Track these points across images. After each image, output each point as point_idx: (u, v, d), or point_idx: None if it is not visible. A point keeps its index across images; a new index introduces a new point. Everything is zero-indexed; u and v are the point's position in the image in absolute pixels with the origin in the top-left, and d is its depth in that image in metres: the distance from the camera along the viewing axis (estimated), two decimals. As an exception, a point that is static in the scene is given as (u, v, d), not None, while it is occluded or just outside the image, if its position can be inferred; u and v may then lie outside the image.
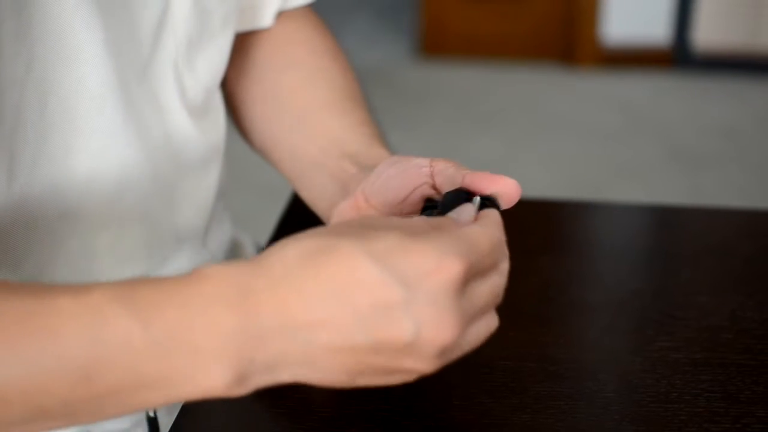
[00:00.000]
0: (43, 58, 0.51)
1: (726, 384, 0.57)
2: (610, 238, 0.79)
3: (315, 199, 0.63)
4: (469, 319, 0.40)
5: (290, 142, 0.67)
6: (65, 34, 0.51)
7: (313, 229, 0.41)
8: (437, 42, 3.39)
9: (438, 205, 0.50)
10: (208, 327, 0.38)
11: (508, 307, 0.65)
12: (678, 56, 3.23)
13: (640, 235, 0.81)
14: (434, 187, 0.52)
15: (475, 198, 0.48)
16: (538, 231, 0.78)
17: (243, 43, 0.72)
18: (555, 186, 2.48)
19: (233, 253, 0.79)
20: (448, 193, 0.49)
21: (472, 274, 0.40)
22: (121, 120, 0.56)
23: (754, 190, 2.47)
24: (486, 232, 0.42)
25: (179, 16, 0.59)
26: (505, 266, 0.44)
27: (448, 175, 0.51)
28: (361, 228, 0.40)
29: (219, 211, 0.74)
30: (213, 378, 0.38)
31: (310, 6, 0.75)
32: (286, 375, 0.40)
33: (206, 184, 0.68)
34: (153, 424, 0.63)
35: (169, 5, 0.58)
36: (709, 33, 3.20)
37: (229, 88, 0.72)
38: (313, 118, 0.67)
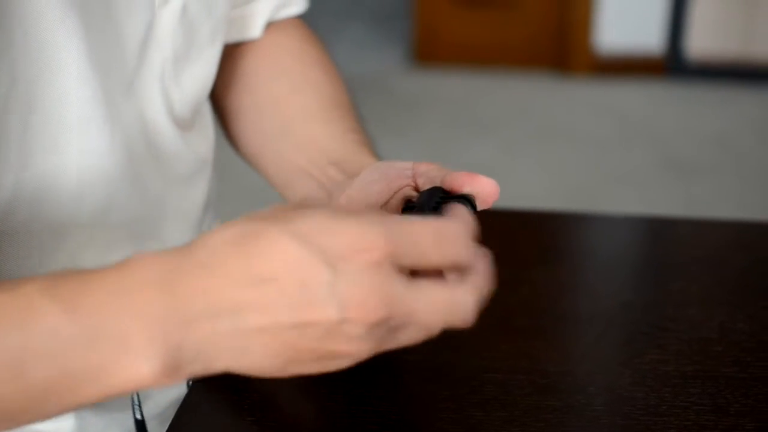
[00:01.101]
0: (26, 74, 0.50)
1: (715, 397, 0.57)
2: (602, 250, 0.79)
3: None
4: (400, 302, 0.39)
5: (277, 151, 0.68)
6: (47, 48, 0.50)
7: (243, 216, 0.41)
8: (431, 50, 3.39)
9: (415, 205, 0.50)
10: (134, 311, 0.38)
11: (498, 318, 0.66)
12: (671, 64, 3.24)
13: (631, 246, 0.82)
14: (416, 189, 0.52)
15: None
16: (529, 242, 0.78)
17: (231, 53, 0.72)
18: (548, 194, 2.48)
19: None
20: (423, 192, 0.49)
21: (402, 258, 0.39)
22: (107, 135, 0.56)
23: (749, 199, 2.48)
24: (430, 223, 0.41)
25: (165, 31, 0.59)
26: (479, 265, 0.42)
27: (430, 177, 0.51)
28: (289, 211, 0.40)
29: (208, 222, 0.74)
30: (141, 365, 0.38)
31: (300, 17, 0.76)
32: (218, 363, 0.39)
33: (194, 196, 0.68)
34: (141, 427, 0.63)
35: (154, 19, 0.58)
36: (703, 41, 3.21)
37: (217, 96, 0.73)
38: (299, 126, 0.67)
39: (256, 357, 0.39)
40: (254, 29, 0.71)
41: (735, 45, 3.20)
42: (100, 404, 0.67)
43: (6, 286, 0.40)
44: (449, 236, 0.41)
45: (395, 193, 0.52)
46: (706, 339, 0.63)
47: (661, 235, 0.82)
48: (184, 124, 0.64)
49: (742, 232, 0.81)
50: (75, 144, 0.54)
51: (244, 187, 2.08)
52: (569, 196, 2.47)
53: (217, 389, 0.58)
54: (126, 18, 0.56)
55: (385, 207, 0.52)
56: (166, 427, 0.55)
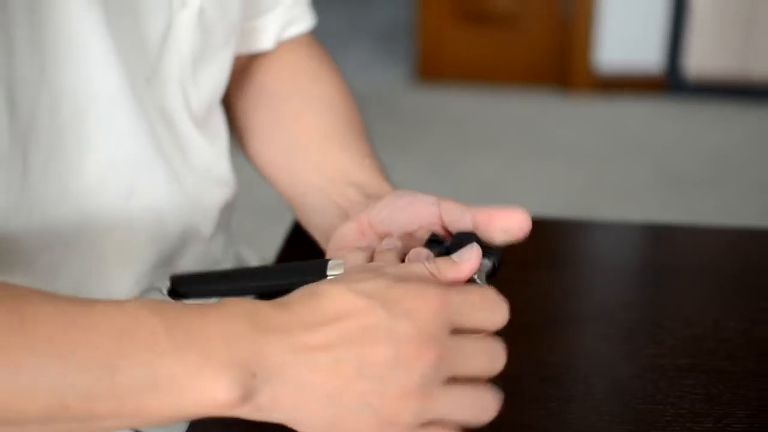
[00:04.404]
0: (54, 61, 0.54)
1: (709, 387, 0.61)
2: (603, 254, 0.83)
3: (313, 221, 0.67)
4: (450, 355, 0.45)
5: (291, 167, 0.71)
6: (74, 38, 0.54)
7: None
8: (434, 67, 3.44)
9: (443, 241, 0.54)
10: (222, 333, 0.43)
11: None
12: (670, 82, 3.29)
13: (631, 251, 0.85)
14: (442, 225, 0.56)
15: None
16: (535, 246, 0.82)
17: (250, 69, 0.76)
18: (550, 209, 2.52)
19: (238, 262, 0.82)
20: (457, 234, 0.54)
21: (453, 315, 0.45)
22: (133, 122, 0.59)
23: (746, 213, 2.52)
24: (478, 289, 0.47)
25: (183, 32, 0.63)
26: (492, 325, 0.47)
27: (454, 215, 0.55)
28: (353, 274, 0.47)
29: (225, 219, 0.77)
30: (219, 386, 0.42)
31: (312, 34, 0.80)
32: (282, 401, 0.44)
33: (214, 189, 0.71)
34: None
35: (173, 20, 0.62)
36: (701, 59, 3.25)
37: (233, 109, 0.76)
38: (316, 146, 0.71)
39: (315, 395, 0.44)
40: (264, 41, 0.75)
41: (733, 63, 3.24)
42: None
43: (105, 300, 0.45)
44: (493, 301, 0.47)
45: (420, 226, 0.56)
46: (699, 336, 0.67)
47: (659, 241, 0.86)
48: (200, 123, 0.68)
49: (735, 237, 0.85)
50: (101, 128, 0.58)
51: (246, 204, 2.12)
52: (570, 210, 2.51)
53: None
54: (146, 17, 0.60)
55: (408, 237, 0.56)
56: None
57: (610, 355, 0.65)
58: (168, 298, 0.56)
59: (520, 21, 3.37)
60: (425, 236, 0.56)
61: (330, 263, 0.54)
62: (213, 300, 0.48)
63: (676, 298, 0.73)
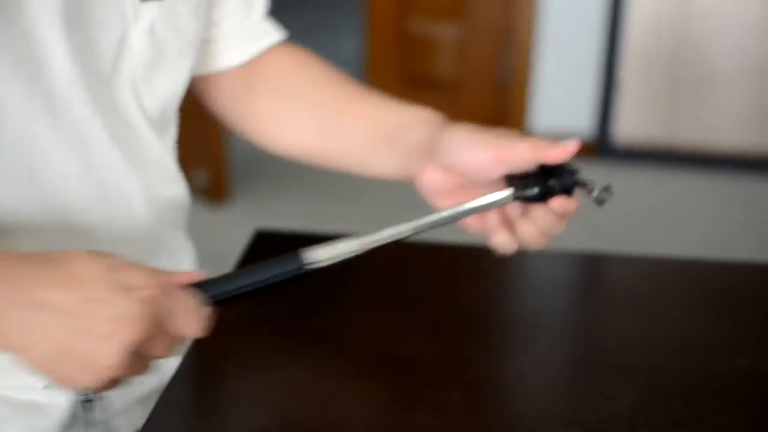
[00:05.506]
0: (23, 64, 0.64)
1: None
2: (545, 284, 0.94)
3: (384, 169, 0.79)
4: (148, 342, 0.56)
5: (336, 136, 0.82)
6: (39, 46, 0.65)
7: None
8: (379, 129, 3.55)
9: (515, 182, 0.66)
10: None
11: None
12: (600, 147, 3.41)
13: (570, 279, 0.97)
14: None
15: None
16: (467, 272, 0.94)
17: (247, 77, 0.86)
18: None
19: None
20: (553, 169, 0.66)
21: (161, 309, 0.57)
22: (88, 109, 0.69)
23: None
24: (187, 298, 0.59)
25: (136, 42, 0.72)
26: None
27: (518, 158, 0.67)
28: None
29: (181, 219, 0.87)
30: None
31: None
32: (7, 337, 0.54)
33: (167, 180, 0.81)
34: (88, 405, 0.75)
35: (127, 32, 0.71)
36: (629, 127, 3.38)
37: (242, 114, 0.86)
38: (350, 108, 0.82)
39: (36, 335, 0.54)
40: (225, 60, 0.86)
41: (659, 131, 3.38)
42: None
43: None
44: (195, 312, 0.59)
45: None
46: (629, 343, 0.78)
47: (596, 271, 0.99)
48: (154, 121, 0.77)
49: (656, 265, 0.98)
50: (61, 121, 0.68)
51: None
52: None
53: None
54: (103, 28, 0.70)
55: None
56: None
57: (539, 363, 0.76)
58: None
59: (462, 87, 3.49)
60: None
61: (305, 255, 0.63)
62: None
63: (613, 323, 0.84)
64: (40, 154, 0.68)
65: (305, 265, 0.63)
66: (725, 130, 3.33)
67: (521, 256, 0.98)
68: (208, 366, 0.75)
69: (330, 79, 0.85)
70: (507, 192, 0.65)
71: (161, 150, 0.80)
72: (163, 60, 0.76)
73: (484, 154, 0.67)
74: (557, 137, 0.61)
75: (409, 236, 0.66)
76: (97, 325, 0.53)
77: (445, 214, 0.66)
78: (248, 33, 0.86)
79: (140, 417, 0.78)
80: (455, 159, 0.70)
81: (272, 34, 0.88)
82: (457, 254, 0.95)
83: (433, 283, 0.89)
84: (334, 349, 0.77)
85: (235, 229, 2.37)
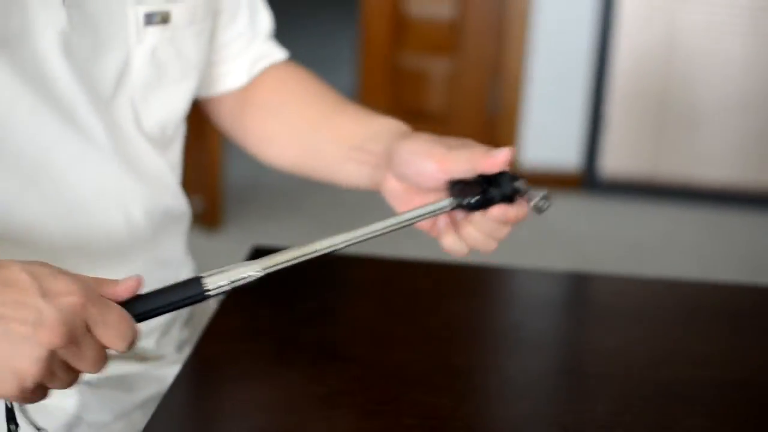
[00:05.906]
0: (29, 81, 0.68)
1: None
2: (528, 302, 0.98)
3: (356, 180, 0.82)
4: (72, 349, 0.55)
5: (317, 152, 0.85)
6: (46, 63, 0.68)
7: None
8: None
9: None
10: None
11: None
12: (587, 180, 3.43)
13: (555, 296, 1.00)
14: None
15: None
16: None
17: (250, 99, 0.90)
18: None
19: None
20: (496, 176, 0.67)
21: (89, 319, 0.56)
22: (93, 123, 0.72)
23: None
24: (117, 310, 0.58)
25: (138, 64, 0.76)
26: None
27: (458, 168, 0.70)
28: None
29: (178, 233, 0.90)
30: None
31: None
32: None
33: (167, 195, 0.84)
34: (10, 414, 0.72)
35: (130, 54, 0.75)
36: (616, 161, 3.40)
37: (248, 131, 0.90)
38: (326, 123, 0.85)
39: None
40: (228, 83, 0.90)
41: (645, 165, 3.40)
42: (100, 383, 0.81)
43: None
44: (124, 326, 0.57)
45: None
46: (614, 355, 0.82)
47: (577, 288, 1.02)
48: (153, 138, 0.80)
49: (648, 286, 1.02)
50: (68, 123, 0.71)
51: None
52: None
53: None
54: (106, 50, 0.73)
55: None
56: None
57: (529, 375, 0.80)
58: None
59: (452, 120, 3.53)
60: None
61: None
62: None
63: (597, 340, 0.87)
64: (43, 161, 0.72)
65: (205, 291, 0.61)
66: (709, 165, 3.36)
67: (506, 274, 1.03)
68: (207, 373, 0.77)
69: (311, 96, 0.88)
70: (446, 201, 0.67)
71: (161, 165, 0.82)
72: (163, 82, 0.79)
73: (430, 165, 0.70)
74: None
75: (343, 248, 0.65)
76: (17, 327, 0.53)
77: (379, 225, 0.66)
78: (251, 55, 0.90)
79: (140, 422, 0.81)
80: (404, 169, 0.73)
81: (272, 54, 0.92)
82: (446, 272, 0.99)
83: (424, 298, 0.93)
84: (328, 358, 0.80)
85: (229, 253, 2.41)
